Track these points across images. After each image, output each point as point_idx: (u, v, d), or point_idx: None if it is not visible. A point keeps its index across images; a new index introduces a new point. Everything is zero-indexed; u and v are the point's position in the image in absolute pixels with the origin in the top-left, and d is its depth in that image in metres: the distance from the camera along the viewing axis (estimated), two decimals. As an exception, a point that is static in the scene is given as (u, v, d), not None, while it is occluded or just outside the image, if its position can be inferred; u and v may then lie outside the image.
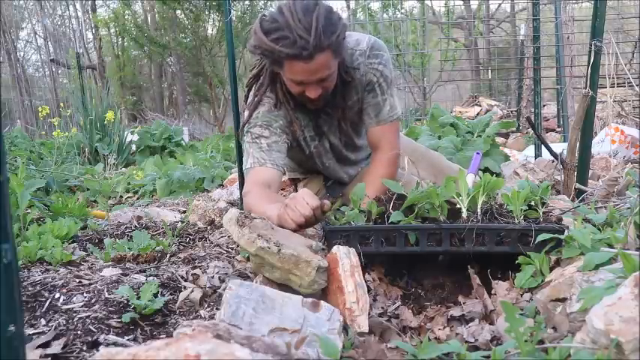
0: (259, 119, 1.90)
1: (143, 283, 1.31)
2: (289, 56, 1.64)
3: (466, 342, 1.20)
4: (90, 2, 16.69)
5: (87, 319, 1.15)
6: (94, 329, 1.12)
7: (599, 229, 1.47)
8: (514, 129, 6.08)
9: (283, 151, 1.91)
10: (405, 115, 7.44)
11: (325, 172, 2.20)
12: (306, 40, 1.61)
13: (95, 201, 3.10)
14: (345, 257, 1.30)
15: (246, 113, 1.94)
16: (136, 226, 2.08)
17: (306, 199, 1.52)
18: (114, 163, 4.82)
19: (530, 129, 5.04)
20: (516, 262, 1.44)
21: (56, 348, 1.04)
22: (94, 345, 1.08)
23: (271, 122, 1.89)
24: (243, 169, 1.94)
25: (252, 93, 1.95)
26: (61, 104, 6.59)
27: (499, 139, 5.15)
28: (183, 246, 1.82)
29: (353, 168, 2.24)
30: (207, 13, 12.45)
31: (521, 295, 1.37)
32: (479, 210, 1.53)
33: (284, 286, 1.31)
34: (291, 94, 1.86)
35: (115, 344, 1.08)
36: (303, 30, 1.61)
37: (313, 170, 2.25)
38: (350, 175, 2.23)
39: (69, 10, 16.88)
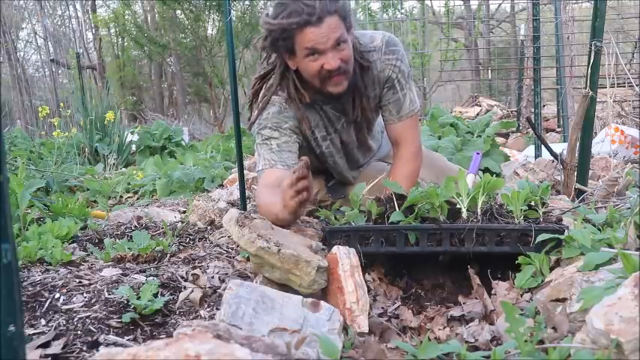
0: (269, 120, 1.90)
1: (143, 283, 1.31)
2: (300, 25, 1.70)
3: (466, 342, 1.21)
4: (90, 2, 16.68)
5: (87, 319, 1.15)
6: (94, 329, 1.12)
7: (599, 229, 1.47)
8: (514, 129, 6.08)
9: (294, 151, 1.91)
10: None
11: (333, 171, 2.20)
12: (313, 6, 1.68)
13: (95, 201, 3.10)
14: (345, 257, 1.31)
15: (256, 112, 1.95)
16: (136, 226, 2.07)
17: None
18: (114, 163, 4.82)
19: (530, 129, 5.03)
20: (516, 262, 1.44)
21: (56, 348, 1.04)
22: (94, 345, 1.08)
23: (281, 124, 1.90)
24: (256, 171, 1.95)
25: (261, 93, 1.96)
26: (61, 104, 6.59)
27: (499, 139, 5.14)
28: (183, 246, 1.82)
29: (357, 171, 2.24)
30: (207, 13, 12.43)
31: (521, 295, 1.37)
32: (479, 210, 1.53)
33: (284, 286, 1.31)
34: (305, 88, 1.86)
35: (115, 344, 1.08)
36: None
37: (318, 170, 2.24)
38: (355, 177, 2.23)
39: (69, 10, 16.87)
